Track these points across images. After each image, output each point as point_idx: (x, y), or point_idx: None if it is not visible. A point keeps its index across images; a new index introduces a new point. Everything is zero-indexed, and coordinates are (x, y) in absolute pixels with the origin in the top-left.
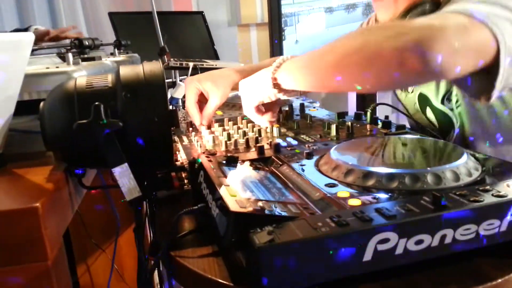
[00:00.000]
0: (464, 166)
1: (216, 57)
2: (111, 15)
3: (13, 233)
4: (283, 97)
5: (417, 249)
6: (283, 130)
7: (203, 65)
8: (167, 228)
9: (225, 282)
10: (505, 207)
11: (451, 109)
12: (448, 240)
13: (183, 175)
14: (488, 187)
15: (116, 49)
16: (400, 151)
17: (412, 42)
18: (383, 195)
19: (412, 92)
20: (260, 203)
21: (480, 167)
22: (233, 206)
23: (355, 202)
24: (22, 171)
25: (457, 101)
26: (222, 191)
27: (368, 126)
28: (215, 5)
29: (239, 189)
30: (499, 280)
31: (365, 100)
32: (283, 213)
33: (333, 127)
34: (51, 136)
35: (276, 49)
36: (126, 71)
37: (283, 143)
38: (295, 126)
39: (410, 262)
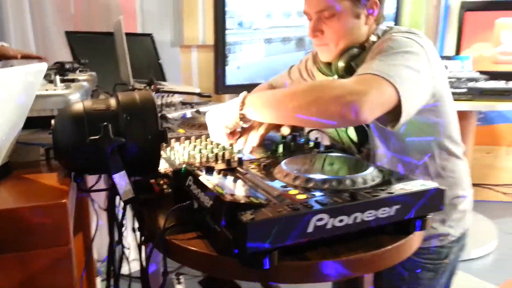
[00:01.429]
0: (370, 174)
1: (163, 78)
2: (68, 34)
3: (42, 222)
4: (245, 125)
5: (340, 225)
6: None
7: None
8: (153, 223)
9: (211, 253)
10: (392, 200)
11: (367, 126)
12: (358, 220)
13: (161, 181)
14: (383, 187)
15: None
16: (328, 163)
17: (348, 104)
18: (319, 193)
19: None
20: (240, 197)
21: (381, 175)
22: (226, 198)
23: (301, 196)
24: (33, 176)
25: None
26: (215, 189)
27: (304, 145)
28: (159, 26)
29: (222, 188)
30: (389, 247)
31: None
32: (258, 202)
33: (280, 146)
34: (63, 149)
35: (220, 74)
36: (124, 97)
37: (245, 157)
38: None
39: (336, 234)
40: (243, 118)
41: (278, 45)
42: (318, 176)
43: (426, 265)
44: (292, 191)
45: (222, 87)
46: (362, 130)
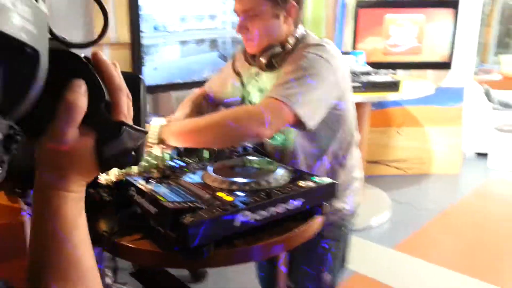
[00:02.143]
0: (280, 175)
1: None
2: None
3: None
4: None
5: (260, 218)
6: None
7: None
8: (95, 228)
9: (156, 250)
10: (298, 195)
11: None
12: (273, 212)
13: (101, 191)
14: (291, 185)
15: None
16: (247, 166)
17: (250, 129)
18: (241, 193)
19: None
20: (180, 203)
21: (290, 175)
22: (169, 205)
23: (228, 198)
24: None
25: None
26: (158, 198)
27: (227, 150)
28: (69, 26)
29: (163, 196)
30: (298, 230)
31: None
32: (194, 206)
33: (206, 152)
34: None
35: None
36: None
37: (176, 165)
38: (178, 152)
39: (257, 225)
40: (161, 142)
41: (193, 46)
42: (240, 180)
43: (329, 235)
44: (220, 194)
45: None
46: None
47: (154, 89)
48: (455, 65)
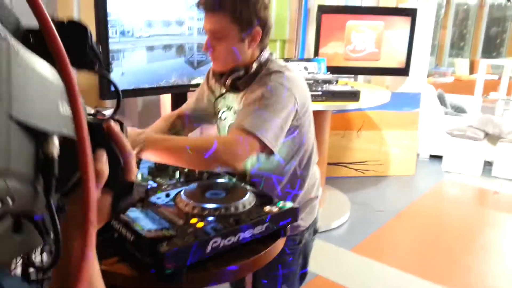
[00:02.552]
0: (247, 200)
1: None
2: None
3: None
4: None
5: (229, 243)
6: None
7: None
8: None
9: (133, 274)
10: (263, 221)
11: None
12: (241, 237)
13: None
14: (257, 211)
15: None
16: (217, 189)
17: (224, 162)
18: (212, 218)
19: None
20: (156, 232)
21: (255, 199)
22: (146, 234)
23: (200, 224)
24: None
25: None
26: (135, 227)
27: (196, 171)
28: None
29: (139, 223)
30: (263, 252)
31: None
32: (169, 235)
33: (177, 172)
34: None
35: (104, 81)
36: None
37: (149, 186)
38: (150, 171)
39: (227, 249)
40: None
41: (160, 52)
42: (211, 206)
43: (285, 251)
44: (193, 220)
45: (107, 93)
46: None
47: (122, 94)
48: (412, 71)
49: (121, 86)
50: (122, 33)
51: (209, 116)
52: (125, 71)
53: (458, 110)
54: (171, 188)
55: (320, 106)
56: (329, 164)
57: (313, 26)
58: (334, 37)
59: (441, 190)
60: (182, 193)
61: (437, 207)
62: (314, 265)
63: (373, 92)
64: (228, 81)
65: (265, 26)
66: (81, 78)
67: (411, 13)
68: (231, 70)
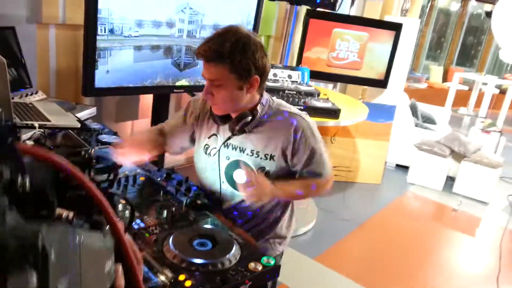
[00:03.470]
0: (233, 254)
1: (26, 72)
2: None
3: None
4: None
5: None
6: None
7: (46, 124)
8: None
9: None
10: (247, 278)
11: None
12: None
13: None
14: (242, 268)
15: None
16: (204, 239)
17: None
18: (199, 275)
19: None
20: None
21: (240, 252)
22: None
23: (188, 283)
24: None
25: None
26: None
27: (183, 208)
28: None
29: None
30: None
31: None
32: None
33: (165, 211)
34: None
35: (89, 78)
36: None
37: (136, 225)
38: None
39: None
40: None
41: (147, 52)
42: (198, 261)
43: None
44: (181, 276)
45: (90, 90)
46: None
47: (105, 92)
48: (390, 83)
49: (106, 84)
50: (111, 31)
51: (183, 148)
52: (111, 69)
53: (428, 121)
54: (159, 230)
55: None
56: None
57: (300, 27)
58: (319, 43)
59: (403, 203)
60: (170, 241)
61: (397, 221)
62: (280, 273)
63: (353, 108)
64: (238, 127)
65: (263, 73)
66: (62, 71)
67: (395, 28)
68: (239, 116)
